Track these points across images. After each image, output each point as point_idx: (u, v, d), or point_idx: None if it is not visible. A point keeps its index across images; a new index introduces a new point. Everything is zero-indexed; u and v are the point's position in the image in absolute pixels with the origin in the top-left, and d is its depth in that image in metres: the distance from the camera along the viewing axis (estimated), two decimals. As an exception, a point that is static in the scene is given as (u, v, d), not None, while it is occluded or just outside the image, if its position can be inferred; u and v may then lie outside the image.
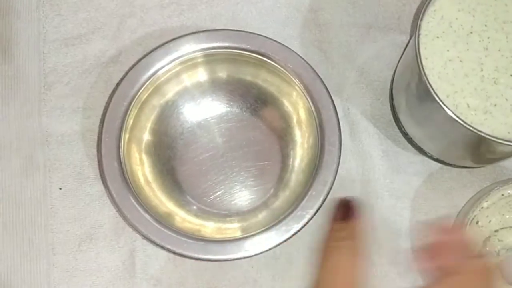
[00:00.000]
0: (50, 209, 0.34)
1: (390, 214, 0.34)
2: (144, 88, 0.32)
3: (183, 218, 0.32)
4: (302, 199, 0.30)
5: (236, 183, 0.34)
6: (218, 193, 0.34)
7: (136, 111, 0.32)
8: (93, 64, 0.36)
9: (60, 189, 0.34)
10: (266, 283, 0.33)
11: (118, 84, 0.32)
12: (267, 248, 0.29)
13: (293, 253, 0.33)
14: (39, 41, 0.37)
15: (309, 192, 0.30)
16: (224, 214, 0.33)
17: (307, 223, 0.29)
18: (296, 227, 0.29)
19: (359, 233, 0.26)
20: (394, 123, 0.35)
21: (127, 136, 0.31)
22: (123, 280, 0.33)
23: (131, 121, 0.32)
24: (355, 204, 0.27)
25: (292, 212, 0.30)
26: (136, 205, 0.29)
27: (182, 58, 0.32)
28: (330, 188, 0.30)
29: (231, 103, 0.35)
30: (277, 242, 0.29)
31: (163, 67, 0.32)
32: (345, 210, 0.27)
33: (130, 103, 0.31)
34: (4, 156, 0.35)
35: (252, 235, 0.29)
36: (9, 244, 0.33)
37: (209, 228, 0.32)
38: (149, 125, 0.33)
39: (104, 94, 0.36)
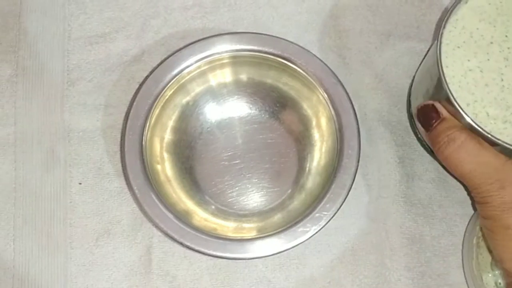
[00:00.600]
0: (69, 204, 0.34)
1: (404, 220, 0.34)
2: (168, 87, 0.32)
3: (201, 216, 0.33)
4: (320, 201, 0.30)
5: (253, 184, 0.34)
6: (235, 193, 0.34)
7: (159, 109, 0.32)
8: (116, 62, 0.37)
9: (80, 184, 0.35)
10: (280, 283, 0.33)
11: (143, 82, 0.32)
12: (284, 249, 0.29)
13: (307, 255, 0.34)
14: (63, 38, 0.38)
15: (327, 195, 0.30)
16: (240, 214, 0.34)
17: (324, 225, 0.30)
18: (314, 229, 0.30)
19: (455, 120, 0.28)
20: (411, 130, 0.36)
21: (149, 133, 0.32)
22: (139, 276, 0.33)
23: (154, 119, 0.32)
24: (432, 104, 0.29)
25: (309, 213, 0.30)
26: (157, 202, 0.30)
27: (206, 59, 0.32)
28: (348, 191, 0.30)
29: (251, 106, 0.36)
30: (295, 244, 0.30)
31: (187, 67, 0.32)
32: (431, 113, 0.29)
33: (154, 101, 0.32)
34: (26, 150, 0.35)
35: (271, 235, 0.30)
36: (28, 237, 0.34)
37: (225, 227, 0.33)
38: (170, 123, 0.34)
39: (126, 92, 0.36)
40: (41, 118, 0.36)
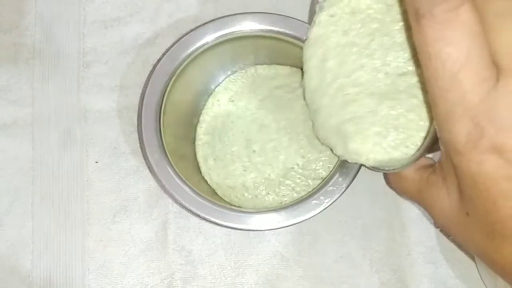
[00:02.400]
0: (86, 182, 0.35)
1: (414, 196, 0.35)
2: (183, 66, 0.33)
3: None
4: (333, 175, 0.31)
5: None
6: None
7: (173, 87, 0.33)
8: (130, 45, 0.38)
9: (97, 162, 0.36)
10: (293, 257, 0.34)
11: (158, 61, 0.33)
12: (298, 221, 0.30)
13: (319, 231, 0.34)
14: (79, 22, 0.38)
15: (340, 169, 0.31)
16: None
17: (337, 198, 0.30)
18: (327, 202, 0.30)
19: None
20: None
21: (164, 110, 0.33)
22: (155, 251, 0.34)
23: (169, 96, 0.33)
24: None
25: (323, 187, 0.31)
26: (174, 176, 0.31)
27: (220, 39, 0.33)
28: (360, 165, 0.31)
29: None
30: (309, 216, 0.30)
31: (201, 46, 0.33)
32: None
33: (169, 79, 0.32)
34: (43, 130, 0.36)
35: (285, 207, 0.30)
36: (47, 214, 0.35)
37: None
38: (184, 102, 0.35)
39: (141, 74, 0.37)
40: (58, 99, 0.37)
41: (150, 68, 0.37)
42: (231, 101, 0.36)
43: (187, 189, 0.30)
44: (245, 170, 0.34)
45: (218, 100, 0.36)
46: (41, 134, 0.36)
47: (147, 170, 0.35)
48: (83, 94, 0.37)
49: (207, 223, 0.33)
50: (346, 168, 0.31)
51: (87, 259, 0.34)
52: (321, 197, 0.30)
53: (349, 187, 0.31)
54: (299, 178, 0.33)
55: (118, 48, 0.38)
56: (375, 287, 0.34)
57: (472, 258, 0.34)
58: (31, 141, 0.36)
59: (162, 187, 0.31)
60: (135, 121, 0.36)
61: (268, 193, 0.33)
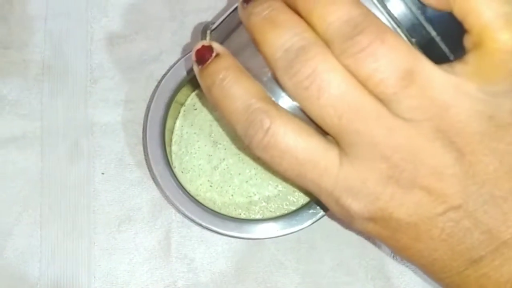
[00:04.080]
0: (92, 192, 0.37)
1: (408, 206, 0.36)
2: (185, 83, 0.35)
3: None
4: (329, 185, 0.32)
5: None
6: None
7: (176, 102, 0.35)
8: (136, 61, 0.39)
9: (103, 174, 0.37)
10: (291, 265, 0.35)
11: (162, 78, 0.35)
12: (297, 229, 0.32)
13: (317, 240, 0.36)
14: (86, 39, 0.40)
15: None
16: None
17: (333, 207, 0.32)
18: (323, 211, 0.32)
19: None
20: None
21: (168, 124, 0.34)
22: (159, 259, 0.35)
23: (172, 111, 0.35)
24: None
25: (319, 197, 0.32)
26: (177, 187, 0.32)
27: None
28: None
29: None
30: (307, 224, 0.32)
31: (203, 63, 0.35)
32: None
33: (173, 95, 0.34)
34: (51, 143, 0.38)
35: (283, 217, 0.32)
36: (54, 224, 0.36)
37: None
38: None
39: (146, 89, 0.39)
40: (66, 113, 0.38)
41: (154, 83, 0.39)
42: (194, 109, 0.36)
43: (189, 199, 0.32)
44: (211, 186, 0.34)
45: (184, 106, 0.36)
46: (49, 147, 0.38)
47: (151, 181, 0.36)
48: (90, 108, 0.38)
49: (208, 232, 0.34)
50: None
51: (93, 267, 0.35)
52: (318, 207, 0.32)
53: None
54: (265, 207, 0.34)
55: (124, 64, 0.39)
56: (371, 294, 0.35)
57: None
58: (40, 154, 0.37)
59: (166, 197, 0.32)
60: (140, 133, 0.38)
61: (240, 214, 0.34)
